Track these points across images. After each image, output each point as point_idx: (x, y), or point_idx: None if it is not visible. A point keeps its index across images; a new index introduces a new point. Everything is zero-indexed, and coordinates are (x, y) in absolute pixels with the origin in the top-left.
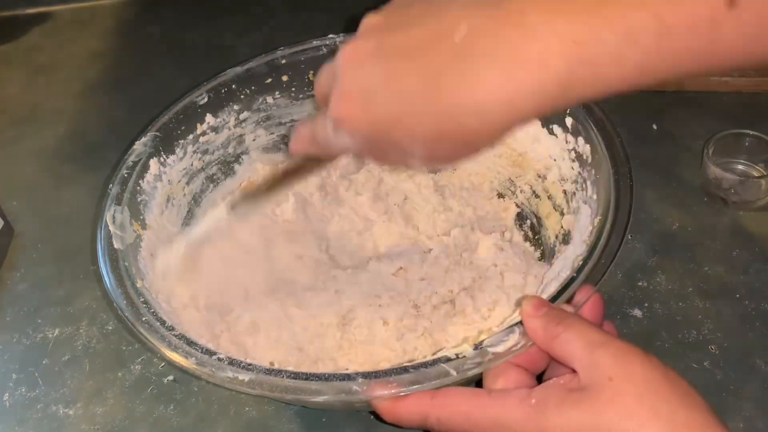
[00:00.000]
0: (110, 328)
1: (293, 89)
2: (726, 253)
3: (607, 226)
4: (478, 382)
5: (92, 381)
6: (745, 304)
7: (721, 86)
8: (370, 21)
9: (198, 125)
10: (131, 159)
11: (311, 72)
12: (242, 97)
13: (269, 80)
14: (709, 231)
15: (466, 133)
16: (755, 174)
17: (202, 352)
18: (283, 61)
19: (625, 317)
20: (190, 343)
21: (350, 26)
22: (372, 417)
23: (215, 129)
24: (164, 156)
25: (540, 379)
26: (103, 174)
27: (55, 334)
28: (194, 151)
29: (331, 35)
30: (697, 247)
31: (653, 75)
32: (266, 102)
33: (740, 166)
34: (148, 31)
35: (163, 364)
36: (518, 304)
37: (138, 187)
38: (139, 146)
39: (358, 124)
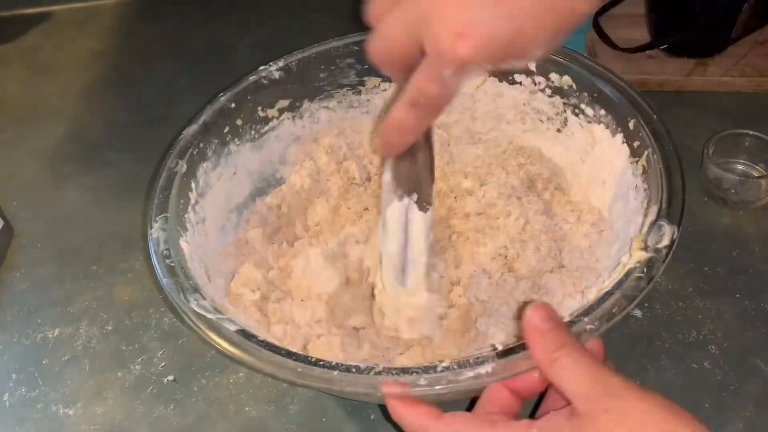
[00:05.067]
0: (110, 328)
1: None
2: (726, 253)
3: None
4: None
5: (92, 381)
6: (745, 304)
7: (721, 86)
8: None
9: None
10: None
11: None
12: None
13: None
14: (709, 231)
15: (578, 17)
16: (755, 174)
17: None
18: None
19: (625, 317)
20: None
21: (351, 27)
22: (380, 411)
23: None
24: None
25: (537, 405)
26: (103, 174)
27: (55, 334)
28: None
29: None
30: (697, 247)
31: None
32: None
33: (740, 166)
34: (148, 31)
35: (163, 364)
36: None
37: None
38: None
39: (485, 54)
